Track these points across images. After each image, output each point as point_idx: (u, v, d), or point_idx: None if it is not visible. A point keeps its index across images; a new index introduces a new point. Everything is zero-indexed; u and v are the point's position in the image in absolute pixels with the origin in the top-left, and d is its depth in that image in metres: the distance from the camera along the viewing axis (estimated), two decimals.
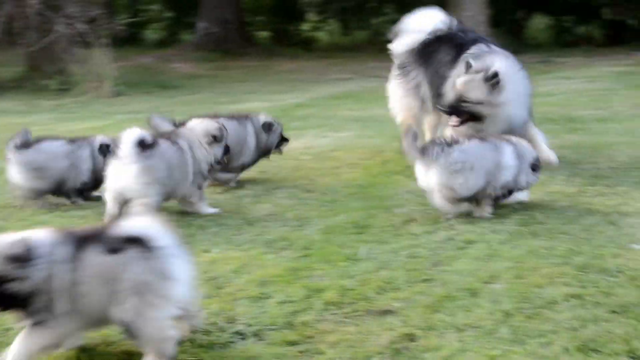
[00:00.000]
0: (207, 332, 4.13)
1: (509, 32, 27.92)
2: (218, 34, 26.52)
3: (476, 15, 23.37)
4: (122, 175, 6.06)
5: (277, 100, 15.15)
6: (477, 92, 7.20)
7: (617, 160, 7.82)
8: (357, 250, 5.31)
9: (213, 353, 3.92)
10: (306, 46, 29.27)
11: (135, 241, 3.67)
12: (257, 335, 4.10)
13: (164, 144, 6.25)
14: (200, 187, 6.49)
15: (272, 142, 7.64)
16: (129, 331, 3.68)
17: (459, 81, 7.33)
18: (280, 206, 6.57)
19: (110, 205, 6.17)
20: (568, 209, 6.18)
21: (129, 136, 6.02)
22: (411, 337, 3.98)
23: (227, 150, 6.63)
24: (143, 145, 6.01)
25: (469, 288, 4.56)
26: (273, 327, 4.17)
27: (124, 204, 6.13)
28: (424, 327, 4.07)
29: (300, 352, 3.90)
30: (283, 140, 7.73)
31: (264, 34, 31.03)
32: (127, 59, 23.15)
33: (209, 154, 6.47)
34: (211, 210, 6.50)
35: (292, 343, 3.99)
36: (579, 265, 4.85)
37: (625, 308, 4.18)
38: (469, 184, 5.96)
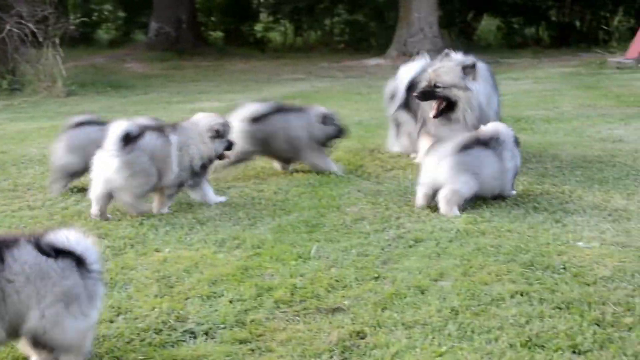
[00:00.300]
0: (158, 331, 4.10)
1: (460, 33, 28.22)
2: (171, 33, 26.39)
3: (427, 16, 23.57)
4: (105, 167, 6.14)
5: (230, 100, 15.08)
6: (450, 75, 7.40)
7: (563, 160, 7.92)
8: (308, 249, 5.31)
9: (164, 352, 3.89)
10: (259, 46, 29.23)
11: (68, 252, 3.58)
12: (207, 333, 4.08)
13: (149, 136, 6.26)
14: (197, 177, 6.52)
15: (328, 133, 7.75)
16: (42, 340, 3.54)
17: (432, 68, 7.57)
18: (231, 205, 6.54)
19: (96, 202, 6.26)
20: (515, 207, 6.24)
21: (115, 129, 6.09)
22: (360, 335, 3.99)
23: (229, 145, 6.65)
24: (127, 139, 6.07)
25: (418, 285, 4.59)
26: (224, 325, 4.15)
27: (110, 195, 6.23)
28: (373, 325, 4.09)
29: (251, 350, 3.89)
30: (341, 132, 7.87)
31: (217, 34, 30.92)
32: (80, 58, 22.89)
33: (209, 149, 6.51)
34: (219, 199, 6.66)
35: (243, 341, 3.98)
36: (525, 263, 4.91)
37: (569, 304, 4.24)
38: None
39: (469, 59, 7.53)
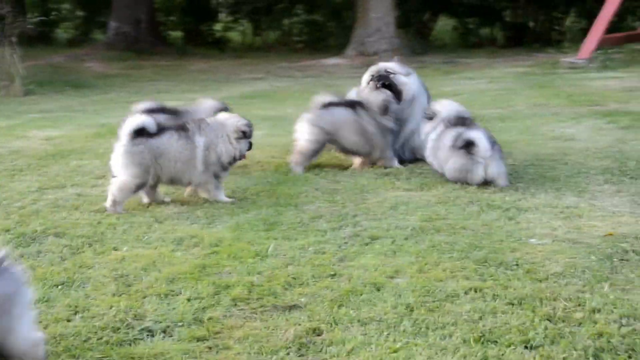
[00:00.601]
0: (115, 330, 4.06)
1: (417, 33, 28.35)
2: (130, 33, 26.16)
3: (384, 16, 23.65)
4: (114, 154, 6.38)
5: (189, 100, 14.94)
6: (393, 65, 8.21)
7: (517, 158, 7.99)
8: (265, 247, 5.29)
9: (121, 350, 3.85)
10: (218, 46, 29.12)
11: None
12: (165, 331, 4.05)
13: (167, 135, 6.43)
14: (217, 177, 6.62)
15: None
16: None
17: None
18: (190, 204, 6.51)
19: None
20: (469, 204, 6.29)
21: (131, 121, 6.32)
22: (317, 332, 3.99)
23: (250, 146, 6.78)
24: (141, 133, 6.28)
25: (374, 282, 4.60)
26: (181, 323, 4.12)
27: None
28: (329, 322, 4.09)
29: (208, 347, 3.87)
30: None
31: (176, 34, 30.71)
32: (38, 57, 22.60)
33: (235, 149, 6.61)
34: (226, 199, 6.63)
35: (200, 339, 3.95)
36: (479, 260, 4.94)
37: (521, 300, 4.28)
38: None
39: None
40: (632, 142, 8.66)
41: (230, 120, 6.72)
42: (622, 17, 26.34)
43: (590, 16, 25.81)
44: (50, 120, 11.92)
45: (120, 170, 6.34)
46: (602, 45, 18.74)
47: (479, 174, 6.88)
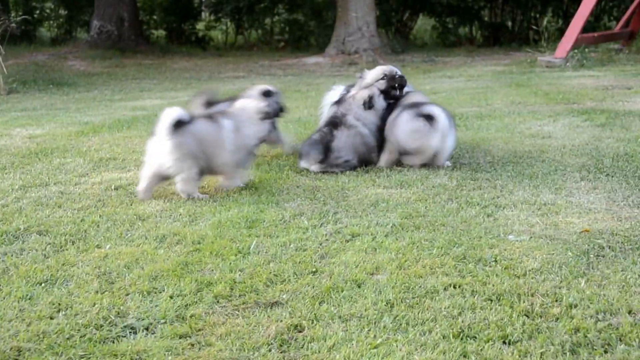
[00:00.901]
0: (98, 327, 4.04)
1: (397, 32, 28.41)
2: (113, 32, 26.02)
3: (364, 16, 23.65)
4: (158, 152, 6.46)
5: (172, 98, 14.96)
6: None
7: (495, 155, 8.02)
8: (247, 244, 5.28)
9: (104, 347, 3.82)
10: (201, 45, 29.04)
11: None
12: (148, 329, 4.03)
13: (199, 122, 6.65)
14: (244, 163, 6.92)
15: None
16: None
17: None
18: (172, 202, 6.47)
19: (145, 181, 6.58)
20: (449, 201, 6.30)
21: (167, 115, 6.42)
22: (298, 328, 3.98)
23: (273, 126, 7.21)
24: (179, 124, 6.39)
25: (354, 279, 4.60)
26: (164, 320, 4.10)
27: (160, 180, 6.63)
28: (310, 318, 4.08)
29: (191, 344, 3.85)
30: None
31: (159, 33, 30.60)
32: (21, 56, 22.45)
33: (260, 130, 6.94)
34: (241, 184, 6.93)
35: (183, 336, 3.94)
36: (458, 256, 4.95)
37: (500, 296, 4.29)
38: None
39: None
40: (608, 140, 8.70)
41: (251, 103, 7.04)
42: (598, 17, 26.56)
43: (566, 16, 26.05)
44: (33, 119, 11.82)
45: (174, 165, 6.46)
46: (578, 45, 18.84)
47: (434, 140, 7.33)
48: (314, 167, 7.49)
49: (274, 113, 7.38)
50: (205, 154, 6.58)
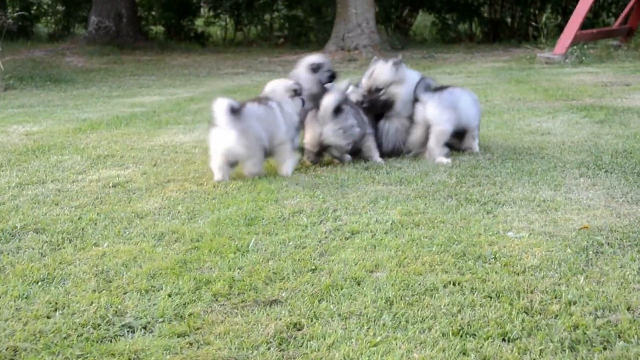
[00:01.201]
0: (96, 326, 4.02)
1: (396, 28, 28.40)
2: (111, 28, 26.01)
3: (364, 12, 23.64)
4: (225, 141, 6.89)
5: (170, 94, 14.96)
6: (385, 75, 7.90)
7: (495, 152, 8.01)
8: (246, 242, 5.27)
9: (101, 347, 3.81)
10: (200, 41, 29.03)
11: None
12: (146, 327, 4.01)
13: (252, 106, 7.08)
14: (292, 141, 7.37)
15: None
16: None
17: (367, 75, 8.01)
18: (171, 199, 6.46)
19: (220, 172, 7.07)
20: (448, 198, 6.29)
21: (220, 105, 6.77)
22: (297, 326, 3.97)
23: (303, 102, 7.56)
24: (234, 111, 6.76)
25: (354, 277, 4.59)
26: (162, 319, 4.09)
27: (232, 167, 7.12)
28: (309, 316, 4.07)
29: (189, 343, 3.84)
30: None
31: (157, 29, 30.58)
32: (18, 52, 22.43)
33: (296, 106, 7.47)
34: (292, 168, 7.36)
35: (181, 335, 3.92)
36: (457, 253, 4.94)
37: (499, 293, 4.28)
38: None
39: (397, 57, 8.13)
40: (607, 136, 8.69)
41: (279, 84, 7.55)
42: (596, 13, 26.57)
43: (565, 12, 26.05)
44: (30, 115, 11.81)
45: (246, 150, 6.94)
46: (577, 41, 18.84)
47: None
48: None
49: (322, 84, 8.07)
50: (267, 134, 7.04)
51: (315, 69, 8.14)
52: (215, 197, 6.53)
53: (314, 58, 8.34)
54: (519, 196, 6.28)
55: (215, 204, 6.27)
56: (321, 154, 7.65)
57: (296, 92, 7.47)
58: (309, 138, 7.58)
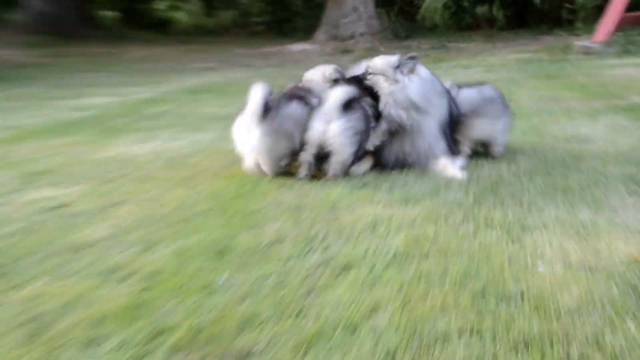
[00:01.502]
0: None
1: (400, 12, 28.47)
2: (52, 13, 25.98)
3: None
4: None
5: (125, 95, 14.95)
6: (382, 62, 8.12)
7: (521, 164, 8.01)
8: (215, 278, 5.21)
9: None
10: (161, 29, 29.05)
11: None
12: None
13: (282, 103, 7.69)
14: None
15: None
16: None
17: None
18: (121, 226, 6.40)
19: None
20: (464, 222, 6.25)
21: (255, 97, 7.68)
22: None
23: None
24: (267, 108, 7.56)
25: (347, 322, 4.52)
26: None
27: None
28: None
29: None
30: None
31: (110, 14, 30.60)
32: None
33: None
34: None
35: None
36: (475, 292, 4.88)
37: (528, 343, 4.22)
38: None
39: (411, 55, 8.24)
40: None
41: (316, 73, 8.34)
42: None
43: None
44: None
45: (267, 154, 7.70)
46: (621, 26, 18.88)
47: None
48: None
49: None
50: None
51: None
52: (178, 221, 6.47)
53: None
54: (551, 219, 6.25)
55: (178, 231, 6.22)
56: (318, 162, 7.72)
57: (336, 81, 8.08)
58: (307, 139, 7.71)
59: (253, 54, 22.43)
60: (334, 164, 7.67)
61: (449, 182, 7.40)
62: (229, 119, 11.24)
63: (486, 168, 7.92)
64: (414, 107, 7.88)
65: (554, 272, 5.18)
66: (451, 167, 7.78)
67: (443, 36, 24.97)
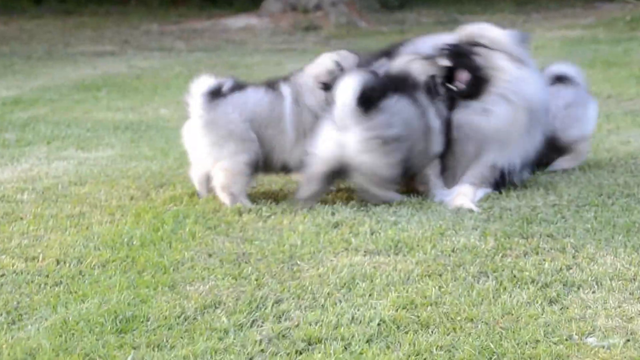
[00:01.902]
0: None
1: None
2: None
3: None
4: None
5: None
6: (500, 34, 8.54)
7: (564, 193, 8.12)
8: None
9: None
10: None
11: None
12: None
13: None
14: None
15: None
16: None
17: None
18: None
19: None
20: (480, 277, 6.34)
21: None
22: None
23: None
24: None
25: None
26: None
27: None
28: None
29: None
30: None
31: None
32: None
33: None
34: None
35: None
36: None
37: None
38: None
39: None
40: None
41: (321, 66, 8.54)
42: None
43: None
44: None
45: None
46: None
47: None
48: None
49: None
50: None
51: None
52: (61, 281, 6.51)
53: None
54: (606, 271, 6.37)
55: (61, 294, 6.23)
56: (334, 180, 8.18)
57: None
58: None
59: (172, 32, 22.44)
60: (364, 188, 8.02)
61: (459, 220, 7.50)
62: (138, 127, 11.36)
63: (513, 198, 8.03)
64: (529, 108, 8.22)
65: (611, 346, 5.30)
66: (463, 197, 7.89)
67: (451, 5, 25.12)
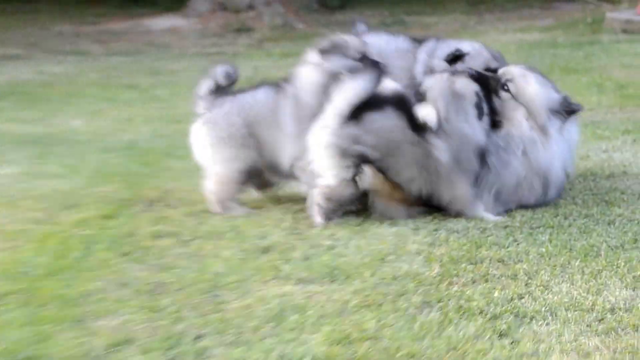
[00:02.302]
0: None
1: None
2: None
3: None
4: None
5: None
6: None
7: (516, 213, 8.15)
8: None
9: None
10: None
11: None
12: None
13: None
14: None
15: None
16: None
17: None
18: None
19: None
20: (423, 308, 6.34)
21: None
22: None
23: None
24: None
25: None
26: None
27: None
28: None
29: None
30: None
31: None
32: None
33: None
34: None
35: None
36: None
37: None
38: None
39: None
40: None
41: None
42: None
43: None
44: None
45: None
46: None
47: None
48: None
49: None
50: None
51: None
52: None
53: None
54: (562, 301, 6.38)
55: None
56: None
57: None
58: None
59: (87, 33, 22.44)
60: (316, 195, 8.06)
61: (401, 244, 7.48)
62: (44, 141, 11.32)
63: (461, 219, 8.06)
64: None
65: None
66: None
67: (400, 5, 25.26)
